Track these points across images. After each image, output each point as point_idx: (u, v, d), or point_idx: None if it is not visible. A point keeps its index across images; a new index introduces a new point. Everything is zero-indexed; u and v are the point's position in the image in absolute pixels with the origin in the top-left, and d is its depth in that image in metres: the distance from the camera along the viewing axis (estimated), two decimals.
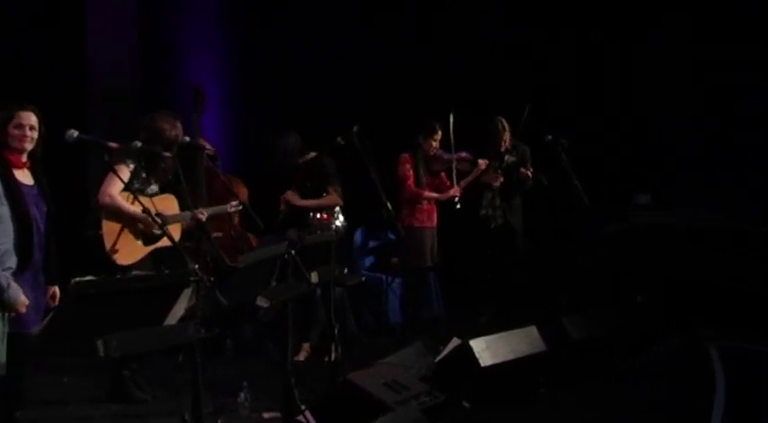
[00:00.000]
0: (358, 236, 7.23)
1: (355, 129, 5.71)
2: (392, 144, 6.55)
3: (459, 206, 6.35)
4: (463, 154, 6.55)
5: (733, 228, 6.45)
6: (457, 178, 6.43)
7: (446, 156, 6.47)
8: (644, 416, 4.74)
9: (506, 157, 6.70)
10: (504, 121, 6.74)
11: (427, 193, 6.42)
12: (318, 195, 6.04)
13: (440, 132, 6.38)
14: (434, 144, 6.42)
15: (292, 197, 5.96)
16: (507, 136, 6.72)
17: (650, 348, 5.70)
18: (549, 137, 6.44)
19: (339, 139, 5.80)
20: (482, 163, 6.55)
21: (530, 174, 6.62)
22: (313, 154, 6.10)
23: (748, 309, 6.06)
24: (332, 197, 6.00)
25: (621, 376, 5.32)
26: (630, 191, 6.97)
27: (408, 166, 6.39)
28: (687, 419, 4.65)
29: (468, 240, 6.74)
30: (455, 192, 6.37)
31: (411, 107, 7.31)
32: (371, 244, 7.30)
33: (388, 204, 5.84)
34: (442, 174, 6.59)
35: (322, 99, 7.70)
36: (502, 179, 6.64)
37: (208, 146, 5.96)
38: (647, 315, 5.98)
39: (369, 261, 7.26)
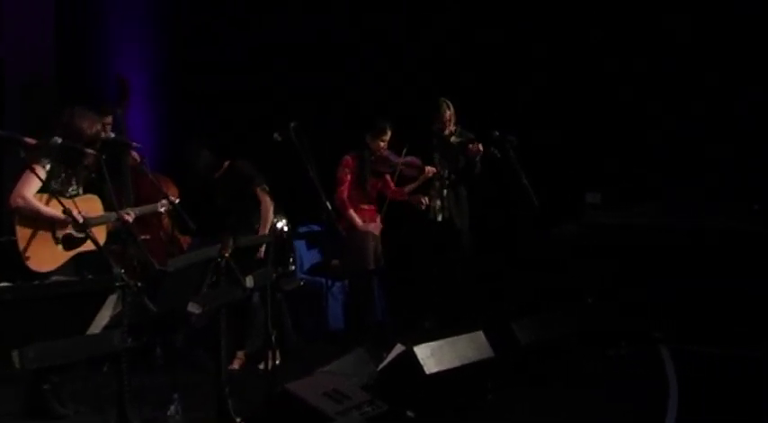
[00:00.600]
0: (297, 236, 7.08)
1: (292, 125, 5.64)
2: (339, 142, 6.54)
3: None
4: (410, 158, 6.57)
5: (684, 226, 6.64)
6: (399, 182, 6.48)
7: (393, 158, 6.49)
8: (597, 420, 4.83)
9: (452, 139, 6.73)
10: (448, 102, 6.76)
11: (350, 213, 6.37)
12: (247, 201, 6.04)
13: (389, 133, 6.41)
14: (382, 145, 6.44)
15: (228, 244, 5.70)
16: (452, 117, 6.74)
17: (602, 352, 5.88)
18: (497, 133, 6.48)
19: (276, 135, 5.71)
20: (429, 170, 6.59)
21: (480, 148, 6.61)
22: (227, 163, 6.12)
23: (700, 310, 6.24)
24: (265, 205, 6.01)
25: (574, 380, 5.41)
26: (581, 189, 7.08)
27: (347, 170, 6.39)
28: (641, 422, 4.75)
29: (413, 238, 6.75)
30: (375, 228, 6.33)
31: (358, 104, 7.33)
32: (311, 246, 7.29)
33: (328, 204, 5.78)
34: (386, 176, 6.62)
35: (260, 94, 7.69)
36: (426, 200, 6.63)
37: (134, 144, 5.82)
38: (598, 318, 6.05)
39: (308, 264, 7.24)
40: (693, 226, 6.61)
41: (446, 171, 6.73)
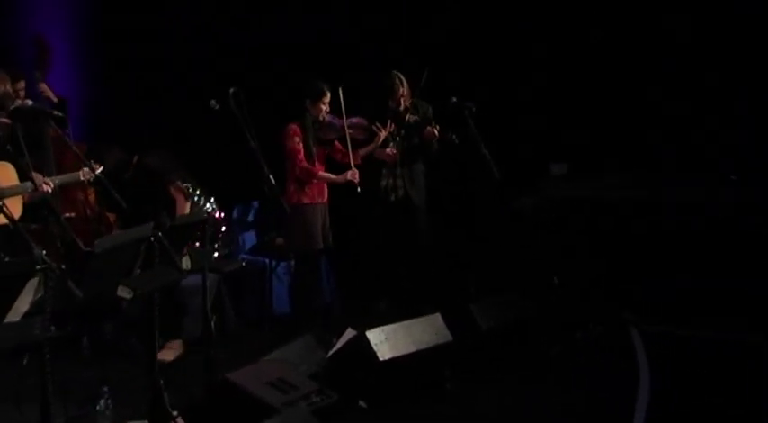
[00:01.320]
0: (236, 214, 7.17)
1: (232, 91, 5.65)
2: (276, 110, 6.51)
3: (359, 190, 6.38)
4: (355, 120, 6.54)
5: (652, 198, 6.72)
6: (352, 147, 6.45)
7: (337, 122, 6.45)
8: (562, 407, 4.86)
9: (407, 117, 6.73)
10: (400, 75, 6.73)
11: (321, 174, 6.42)
12: (157, 202, 5.98)
13: (329, 95, 6.37)
14: (324, 108, 6.38)
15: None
16: (405, 92, 6.74)
17: (569, 335, 5.89)
18: (454, 99, 6.47)
19: (213, 102, 5.74)
20: (381, 133, 6.59)
21: (436, 132, 6.63)
22: (135, 159, 6.07)
23: (670, 290, 6.32)
24: (180, 204, 5.96)
25: (538, 366, 5.43)
26: (546, 160, 7.18)
27: (297, 138, 6.33)
28: (611, 407, 4.79)
29: (365, 216, 6.75)
30: (352, 175, 6.39)
31: (297, 69, 7.32)
32: (252, 223, 7.26)
33: (271, 177, 5.80)
34: (335, 142, 6.57)
35: (194, 58, 7.63)
36: (396, 154, 6.69)
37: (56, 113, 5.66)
38: (563, 299, 6.09)
39: (250, 243, 7.22)
40: (663, 199, 6.69)
41: (399, 147, 6.73)
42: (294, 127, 6.37)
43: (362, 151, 6.61)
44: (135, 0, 7.66)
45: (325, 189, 6.49)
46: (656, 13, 7.25)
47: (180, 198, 5.98)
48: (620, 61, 7.35)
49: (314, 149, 6.38)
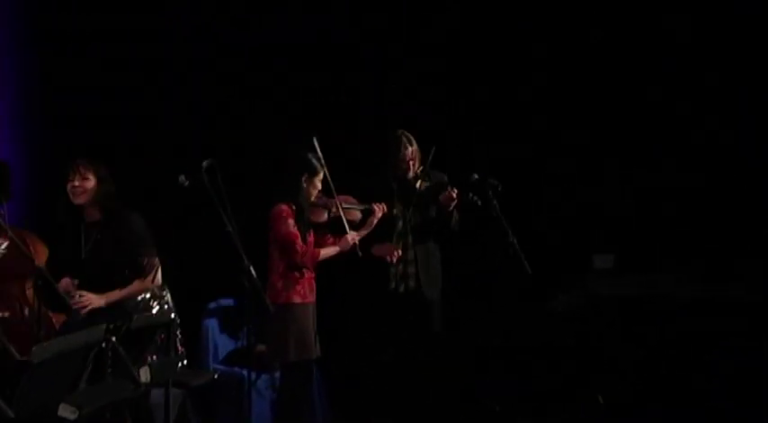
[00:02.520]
0: (207, 314, 7.12)
1: (205, 164, 5.63)
2: (255, 188, 6.52)
3: (360, 254, 6.36)
4: (344, 197, 6.51)
5: (713, 298, 6.78)
6: (340, 232, 6.44)
7: (327, 201, 6.44)
8: None
9: (418, 184, 6.68)
10: (408, 135, 6.71)
11: (324, 250, 6.37)
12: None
13: (322, 174, 6.33)
14: (319, 186, 6.36)
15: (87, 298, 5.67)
16: (415, 154, 6.71)
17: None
18: (475, 176, 6.41)
19: (182, 178, 5.68)
20: (378, 208, 6.52)
21: (454, 195, 6.59)
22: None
23: None
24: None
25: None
26: (588, 251, 7.18)
27: (292, 221, 6.28)
28: None
29: (364, 313, 6.68)
30: (353, 237, 6.36)
31: (275, 135, 7.44)
32: (227, 325, 7.19)
33: (252, 269, 5.69)
34: (327, 234, 6.56)
35: (157, 120, 7.69)
36: (399, 251, 6.62)
37: None
38: None
39: (224, 350, 7.16)
40: (724, 297, 6.74)
41: (409, 222, 6.70)
42: (285, 208, 6.30)
43: (359, 234, 6.51)
44: (85, 57, 7.74)
45: (315, 287, 6.42)
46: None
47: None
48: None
49: (306, 234, 6.33)
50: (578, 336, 6.86)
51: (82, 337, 4.27)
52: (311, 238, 6.39)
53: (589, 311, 6.91)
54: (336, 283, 6.49)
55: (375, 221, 6.53)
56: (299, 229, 6.30)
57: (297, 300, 6.30)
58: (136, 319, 4.96)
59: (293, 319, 6.26)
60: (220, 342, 7.15)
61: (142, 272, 5.73)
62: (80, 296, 5.61)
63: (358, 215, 6.57)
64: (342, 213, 6.40)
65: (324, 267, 6.45)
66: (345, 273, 6.57)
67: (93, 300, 5.62)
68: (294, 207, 6.33)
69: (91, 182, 5.65)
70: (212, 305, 7.15)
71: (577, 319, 6.91)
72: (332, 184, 6.37)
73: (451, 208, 6.62)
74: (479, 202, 6.49)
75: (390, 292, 6.65)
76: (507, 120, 7.71)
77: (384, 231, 6.57)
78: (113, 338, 4.30)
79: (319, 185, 6.36)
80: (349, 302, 6.57)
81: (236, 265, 5.72)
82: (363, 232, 6.52)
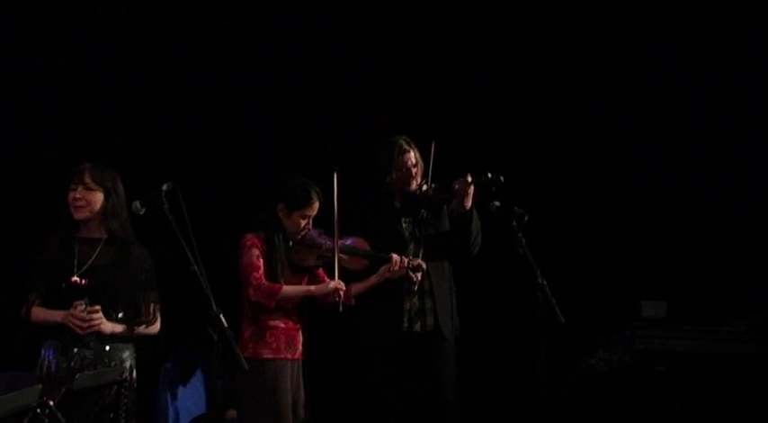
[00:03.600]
0: (166, 372, 7.08)
1: (165, 187, 5.52)
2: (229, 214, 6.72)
3: (341, 309, 6.29)
4: (350, 240, 6.46)
5: None
6: (342, 281, 6.35)
7: (322, 240, 6.33)
8: None
9: (424, 186, 6.70)
10: (408, 141, 6.76)
11: (286, 289, 6.21)
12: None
13: (316, 207, 6.28)
14: (303, 223, 6.26)
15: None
16: (416, 160, 6.74)
17: None
18: (497, 204, 6.31)
19: (136, 204, 5.58)
20: (398, 262, 6.47)
21: (469, 178, 6.57)
22: None
23: None
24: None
25: None
26: (635, 296, 7.24)
27: (257, 251, 6.22)
28: None
29: (370, 364, 6.64)
30: (335, 284, 6.26)
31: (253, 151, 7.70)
32: (191, 386, 7.19)
33: (222, 316, 5.48)
34: (319, 270, 6.45)
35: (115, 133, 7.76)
36: (422, 263, 6.58)
37: None
38: None
39: (187, 416, 7.10)
40: None
41: (421, 240, 6.69)
42: (250, 237, 6.26)
43: (358, 287, 6.45)
44: None
45: (299, 339, 6.30)
46: None
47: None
48: None
49: (281, 275, 6.24)
50: (622, 401, 6.90)
51: (13, 400, 4.34)
52: (290, 282, 6.29)
53: (636, 371, 6.95)
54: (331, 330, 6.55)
55: (388, 275, 6.49)
56: (268, 265, 6.24)
57: (267, 354, 6.19)
58: (79, 378, 4.97)
59: (262, 378, 6.14)
60: (183, 407, 7.08)
61: (143, 318, 5.78)
62: (89, 312, 5.58)
63: (362, 264, 6.51)
64: (336, 258, 6.30)
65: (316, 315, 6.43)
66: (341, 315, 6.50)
67: (104, 326, 5.62)
68: (264, 239, 6.29)
69: (98, 195, 5.68)
70: (173, 361, 7.09)
71: (622, 380, 6.97)
72: (337, 224, 6.34)
73: (470, 200, 6.63)
74: (501, 178, 6.51)
75: (402, 332, 6.60)
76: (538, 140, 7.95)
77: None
78: (51, 402, 4.39)
79: (303, 222, 6.30)
80: (347, 353, 6.64)
81: (202, 311, 5.56)
82: (364, 285, 6.49)
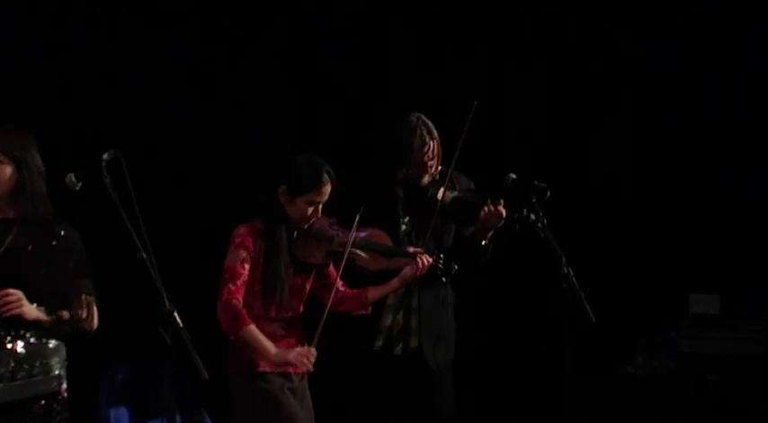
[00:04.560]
0: (108, 384, 7.01)
1: (106, 156, 5.32)
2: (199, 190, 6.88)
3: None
4: (369, 231, 6.30)
5: None
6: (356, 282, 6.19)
7: (333, 232, 6.15)
8: None
9: (440, 193, 6.50)
10: (427, 121, 6.51)
11: (250, 330, 5.97)
12: None
13: (328, 189, 6.07)
14: (311, 210, 6.04)
15: None
16: (436, 150, 6.52)
17: None
18: (512, 176, 6.23)
19: (71, 177, 5.38)
20: (421, 261, 6.26)
21: (503, 211, 6.31)
22: None
23: None
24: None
25: None
26: (682, 288, 7.41)
27: (244, 253, 6.02)
28: None
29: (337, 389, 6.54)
30: (298, 357, 6.03)
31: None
32: (138, 403, 7.09)
33: (176, 314, 5.29)
34: (329, 268, 6.26)
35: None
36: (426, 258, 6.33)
37: None
38: None
39: None
40: None
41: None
42: (243, 232, 6.05)
43: (376, 292, 6.28)
44: None
45: (298, 346, 6.09)
46: None
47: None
48: None
49: (285, 277, 6.03)
50: (666, 417, 7.01)
51: None
52: (295, 284, 6.11)
53: (683, 380, 7.08)
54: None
55: (409, 277, 6.31)
56: (267, 268, 6.05)
57: (262, 367, 5.98)
58: (5, 387, 5.03)
59: (261, 396, 5.96)
60: None
61: (75, 312, 5.54)
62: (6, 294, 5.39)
63: (381, 263, 6.36)
64: (346, 254, 6.13)
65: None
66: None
67: (26, 308, 5.37)
68: (262, 231, 6.10)
69: (6, 168, 5.42)
70: (116, 370, 7.07)
71: (665, 390, 7.07)
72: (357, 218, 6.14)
73: (491, 233, 6.47)
74: (537, 222, 6.22)
75: (377, 355, 6.48)
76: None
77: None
78: None
79: (310, 209, 6.08)
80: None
81: (154, 309, 5.38)
82: (384, 290, 6.32)
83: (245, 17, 8.57)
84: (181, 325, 5.36)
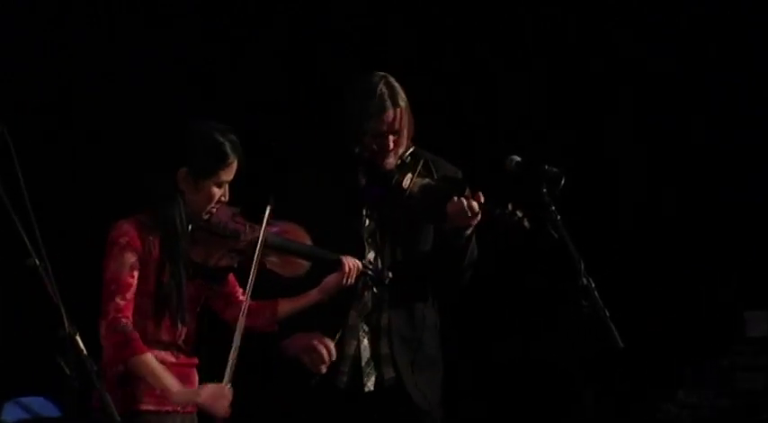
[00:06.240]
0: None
1: None
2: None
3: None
4: (281, 226, 6.22)
5: None
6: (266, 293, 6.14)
7: (238, 227, 6.07)
8: None
9: (405, 180, 6.43)
10: (392, 82, 6.42)
11: (147, 360, 5.86)
12: None
13: (234, 167, 6.01)
14: (219, 193, 5.99)
15: None
16: (401, 121, 6.40)
17: None
18: (516, 159, 6.13)
19: None
20: (351, 265, 6.19)
21: (476, 205, 6.20)
22: None
23: None
24: None
25: None
26: (736, 306, 7.68)
27: (132, 257, 5.94)
28: None
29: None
30: (215, 391, 5.97)
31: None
32: None
33: (78, 338, 5.20)
34: (229, 276, 6.18)
35: None
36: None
37: None
38: None
39: None
40: None
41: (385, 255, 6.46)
42: (126, 230, 5.93)
43: (289, 305, 6.23)
44: None
45: (195, 379, 6.08)
46: None
47: None
48: None
49: (177, 288, 5.94)
50: None
51: None
52: (191, 294, 6.03)
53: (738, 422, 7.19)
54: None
55: (333, 287, 6.24)
56: (161, 271, 5.98)
57: (146, 404, 5.91)
58: None
59: None
60: None
61: None
62: None
63: (297, 267, 6.26)
64: (257, 255, 6.03)
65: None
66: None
67: None
68: (151, 226, 5.96)
69: None
70: (8, 408, 7.01)
71: None
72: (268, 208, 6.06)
73: (469, 231, 6.35)
74: (527, 224, 6.19)
75: (340, 392, 6.37)
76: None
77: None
78: None
79: (218, 192, 6.02)
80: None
81: (51, 331, 5.32)
82: (300, 303, 6.29)
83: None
84: (84, 352, 5.24)
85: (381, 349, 6.41)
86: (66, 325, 5.22)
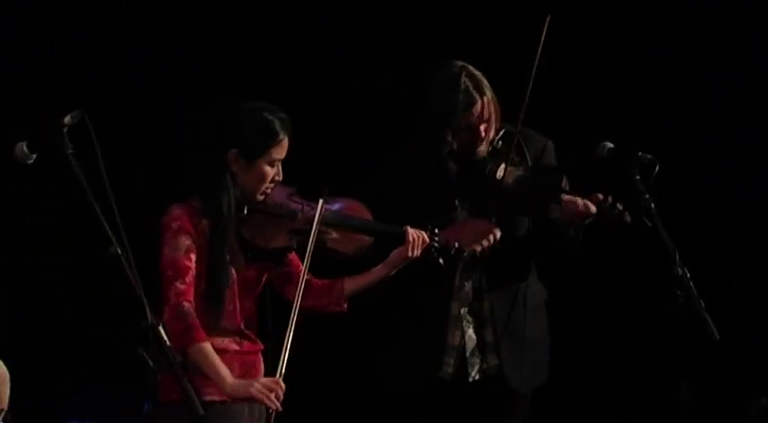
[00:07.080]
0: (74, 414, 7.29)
1: (68, 120, 5.28)
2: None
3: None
4: (339, 204, 6.09)
5: None
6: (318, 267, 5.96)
7: (295, 206, 5.96)
8: None
9: (499, 170, 6.36)
10: (474, 72, 6.38)
11: (205, 348, 5.80)
12: None
13: (285, 144, 5.87)
14: (272, 172, 5.87)
15: None
16: (490, 110, 6.36)
17: None
18: (608, 145, 6.03)
19: (22, 147, 5.28)
20: (416, 236, 6.04)
21: (590, 208, 6.18)
22: None
23: None
24: None
25: None
26: None
27: (187, 241, 5.81)
28: None
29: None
30: (268, 384, 5.81)
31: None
32: None
33: (162, 330, 5.10)
34: (291, 255, 6.01)
35: None
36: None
37: None
38: None
39: None
40: None
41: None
42: (179, 215, 5.84)
43: (356, 282, 6.08)
44: None
45: (260, 368, 5.95)
46: None
47: None
48: None
49: (231, 273, 5.85)
50: None
51: None
52: (248, 277, 5.95)
53: None
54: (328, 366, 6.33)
55: (398, 261, 6.12)
56: (212, 258, 5.86)
57: (210, 394, 5.75)
58: None
59: None
60: None
61: None
62: None
63: (359, 243, 6.13)
64: (314, 233, 5.89)
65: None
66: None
67: None
68: (202, 210, 5.87)
69: None
70: (79, 403, 7.12)
71: None
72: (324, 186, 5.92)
73: (574, 231, 6.40)
74: (628, 218, 6.17)
75: (446, 383, 6.36)
76: None
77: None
78: None
79: (271, 171, 5.90)
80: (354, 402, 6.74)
81: (132, 322, 5.15)
82: (366, 280, 6.17)
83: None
84: (168, 343, 5.16)
85: (486, 337, 6.39)
86: (149, 316, 5.12)
